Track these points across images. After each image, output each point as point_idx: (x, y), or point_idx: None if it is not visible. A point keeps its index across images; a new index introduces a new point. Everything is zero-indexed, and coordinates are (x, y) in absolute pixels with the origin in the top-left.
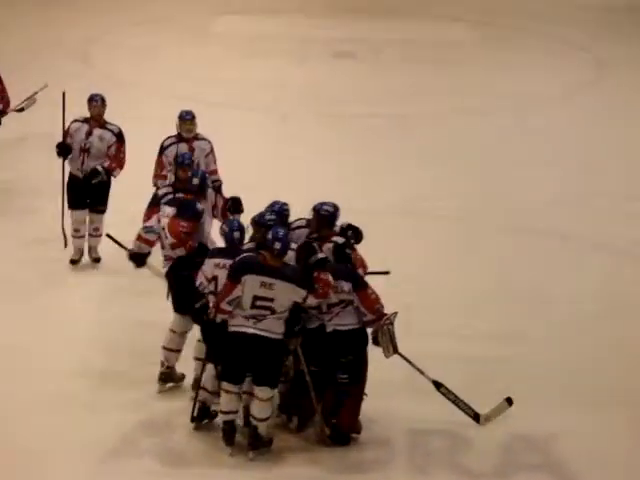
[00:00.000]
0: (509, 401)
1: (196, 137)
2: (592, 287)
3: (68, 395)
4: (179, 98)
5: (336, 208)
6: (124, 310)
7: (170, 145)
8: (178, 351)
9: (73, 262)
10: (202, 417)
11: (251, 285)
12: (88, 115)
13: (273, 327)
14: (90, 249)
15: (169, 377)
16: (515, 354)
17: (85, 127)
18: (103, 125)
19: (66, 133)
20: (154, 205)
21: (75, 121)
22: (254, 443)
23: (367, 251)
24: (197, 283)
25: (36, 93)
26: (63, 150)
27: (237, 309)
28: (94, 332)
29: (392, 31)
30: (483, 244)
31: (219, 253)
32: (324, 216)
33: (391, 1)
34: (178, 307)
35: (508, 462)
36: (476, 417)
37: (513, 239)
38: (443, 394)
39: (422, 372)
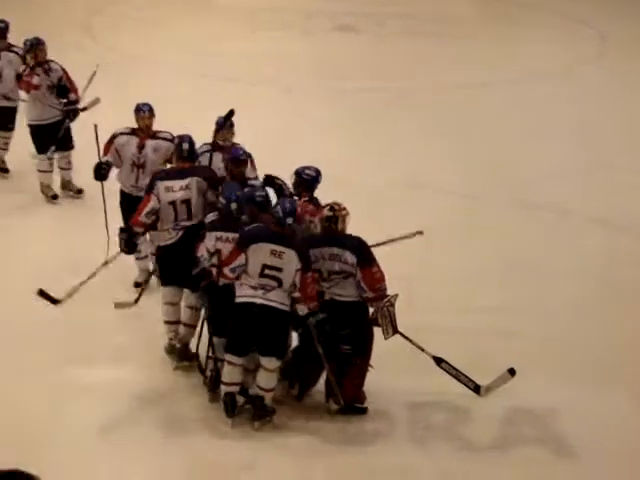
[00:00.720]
0: (511, 372)
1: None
2: (593, 262)
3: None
4: (182, 71)
5: (318, 173)
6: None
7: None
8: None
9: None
10: (215, 386)
11: (261, 253)
12: (134, 126)
13: (281, 298)
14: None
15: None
16: (516, 328)
17: (134, 140)
18: (154, 135)
19: (107, 149)
20: None
21: (121, 134)
22: (260, 413)
23: (369, 225)
24: (198, 254)
25: (92, 77)
26: (100, 172)
27: (245, 278)
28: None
29: (395, 4)
30: (485, 218)
31: (220, 226)
32: (305, 180)
33: None
34: (165, 280)
35: (508, 435)
36: (476, 389)
37: (515, 213)
38: (444, 369)
39: (422, 349)
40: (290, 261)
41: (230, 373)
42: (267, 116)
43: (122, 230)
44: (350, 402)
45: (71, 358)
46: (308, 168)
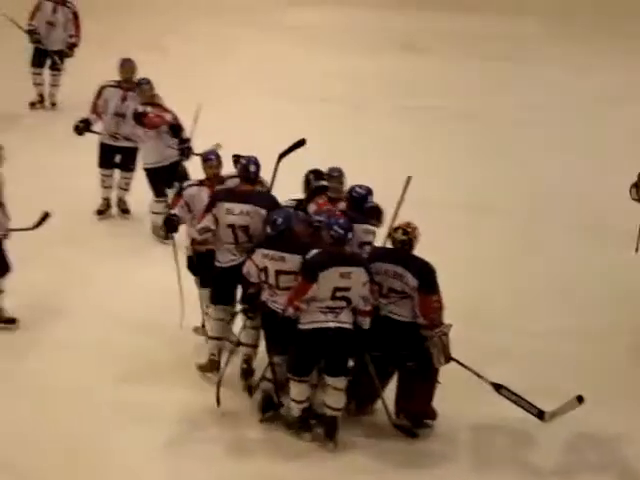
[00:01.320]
0: (579, 399)
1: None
2: None
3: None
4: (255, 90)
5: (369, 192)
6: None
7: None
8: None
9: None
10: (267, 408)
11: (331, 278)
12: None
13: (349, 318)
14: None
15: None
16: (573, 353)
17: (204, 191)
18: (222, 183)
19: (175, 202)
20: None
21: (189, 186)
22: (333, 433)
23: (423, 244)
24: (244, 271)
25: (197, 114)
26: (171, 225)
27: (312, 304)
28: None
29: (463, 25)
30: (543, 242)
31: (267, 243)
32: (355, 198)
33: None
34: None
35: (571, 461)
36: (540, 414)
37: (574, 237)
38: (504, 396)
39: (480, 376)
40: (358, 279)
41: (300, 391)
42: (335, 133)
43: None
44: (419, 418)
45: (125, 379)
46: (359, 186)
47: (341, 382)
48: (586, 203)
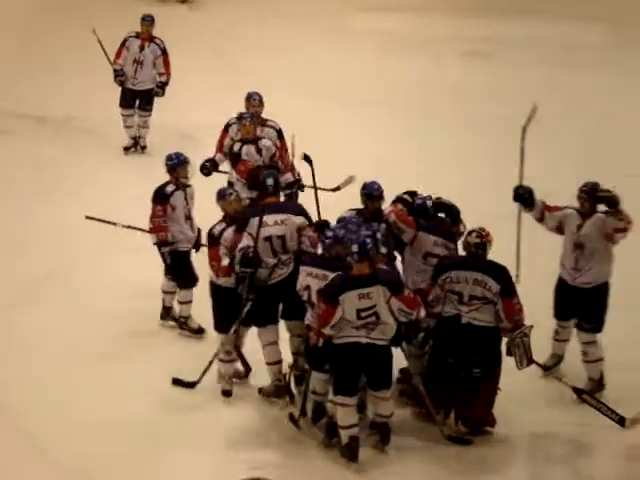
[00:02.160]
0: None
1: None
2: None
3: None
4: (315, 95)
5: (431, 200)
6: None
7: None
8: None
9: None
10: (318, 417)
11: (351, 301)
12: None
13: (383, 334)
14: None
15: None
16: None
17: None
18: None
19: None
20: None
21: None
22: (387, 438)
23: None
24: (297, 288)
25: None
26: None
27: (345, 322)
28: None
29: (526, 30)
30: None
31: (311, 261)
32: (419, 207)
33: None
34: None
35: (632, 472)
36: (621, 421)
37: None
38: (585, 400)
39: (561, 379)
40: (379, 295)
41: (346, 415)
42: (398, 140)
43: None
44: (479, 424)
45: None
46: (422, 197)
47: (384, 393)
48: None
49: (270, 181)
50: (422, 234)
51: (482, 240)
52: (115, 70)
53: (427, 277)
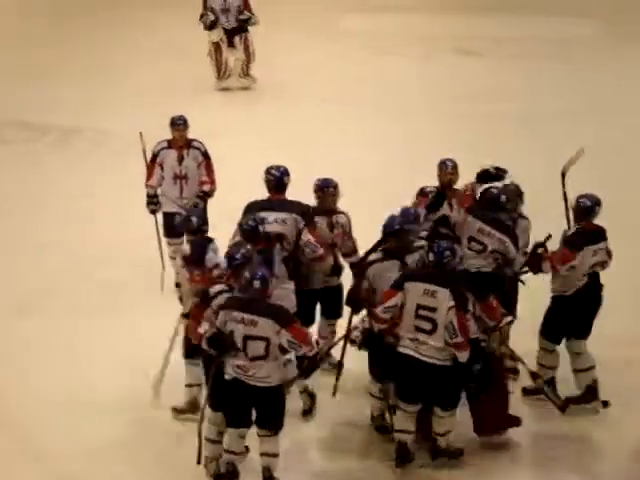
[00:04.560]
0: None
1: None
2: None
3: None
4: (306, 94)
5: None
6: None
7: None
8: None
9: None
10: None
11: (415, 292)
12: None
13: (432, 352)
14: None
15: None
16: None
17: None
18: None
19: None
20: None
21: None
22: (436, 454)
23: None
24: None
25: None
26: None
27: (401, 326)
28: None
29: (515, 27)
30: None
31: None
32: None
33: None
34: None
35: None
36: (563, 407)
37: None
38: (539, 389)
39: (524, 362)
40: (443, 300)
41: (403, 421)
42: (386, 140)
43: None
44: (496, 431)
45: None
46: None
47: (442, 412)
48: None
49: (279, 176)
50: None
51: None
52: (149, 196)
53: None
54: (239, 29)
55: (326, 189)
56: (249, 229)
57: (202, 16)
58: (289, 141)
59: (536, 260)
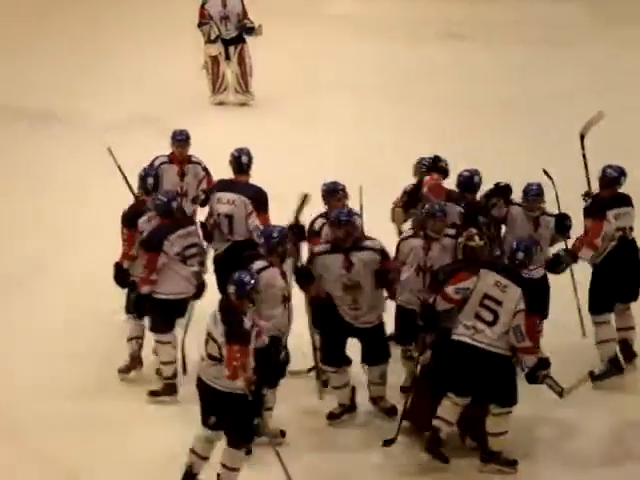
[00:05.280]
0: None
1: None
2: None
3: None
4: (296, 80)
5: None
6: None
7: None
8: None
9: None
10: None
11: (487, 281)
12: None
13: (490, 340)
14: None
15: None
16: None
17: None
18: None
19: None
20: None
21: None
22: (487, 458)
23: None
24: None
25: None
26: None
27: (462, 315)
28: None
29: (505, 11)
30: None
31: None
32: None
33: None
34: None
35: (616, 451)
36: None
37: None
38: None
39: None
40: (512, 298)
41: (448, 410)
42: (376, 125)
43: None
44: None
45: None
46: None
47: (496, 408)
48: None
49: (245, 159)
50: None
51: (484, 240)
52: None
53: None
54: (236, 39)
55: (334, 193)
56: (160, 203)
57: (202, 24)
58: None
59: (570, 255)
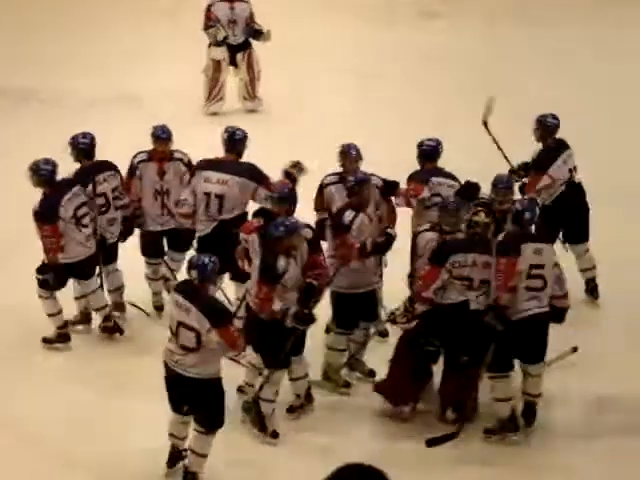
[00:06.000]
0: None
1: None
2: None
3: None
4: (270, 61)
5: (438, 143)
6: None
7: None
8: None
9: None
10: (174, 461)
11: (527, 253)
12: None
13: (546, 301)
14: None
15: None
16: None
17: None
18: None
19: None
20: None
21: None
22: (531, 420)
23: None
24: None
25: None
26: None
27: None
28: None
29: None
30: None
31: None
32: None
33: None
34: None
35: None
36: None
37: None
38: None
39: None
40: (548, 256)
41: (505, 388)
42: (354, 106)
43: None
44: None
45: None
46: (429, 139)
47: (537, 369)
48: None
49: (238, 136)
50: None
51: (490, 219)
52: (135, 210)
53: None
54: (243, 44)
55: (349, 152)
56: (46, 173)
57: (209, 26)
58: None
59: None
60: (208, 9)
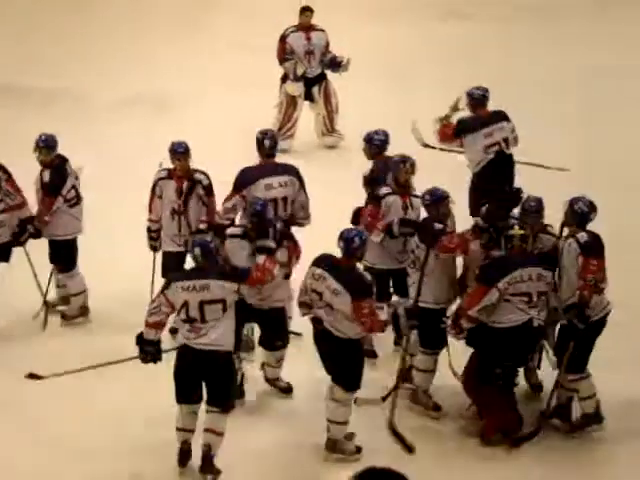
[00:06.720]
0: None
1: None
2: None
3: None
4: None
5: (387, 136)
6: None
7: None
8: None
9: None
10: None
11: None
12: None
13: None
14: None
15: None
16: None
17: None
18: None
19: None
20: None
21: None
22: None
23: None
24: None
25: None
26: None
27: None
28: None
29: None
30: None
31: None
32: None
33: None
34: None
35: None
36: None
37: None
38: None
39: None
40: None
41: (590, 386)
42: (380, 106)
43: None
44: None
45: None
46: (377, 133)
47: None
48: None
49: (268, 142)
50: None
51: (525, 232)
52: (149, 230)
53: None
54: (318, 76)
55: (371, 140)
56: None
57: (285, 59)
58: None
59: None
60: (282, 40)
